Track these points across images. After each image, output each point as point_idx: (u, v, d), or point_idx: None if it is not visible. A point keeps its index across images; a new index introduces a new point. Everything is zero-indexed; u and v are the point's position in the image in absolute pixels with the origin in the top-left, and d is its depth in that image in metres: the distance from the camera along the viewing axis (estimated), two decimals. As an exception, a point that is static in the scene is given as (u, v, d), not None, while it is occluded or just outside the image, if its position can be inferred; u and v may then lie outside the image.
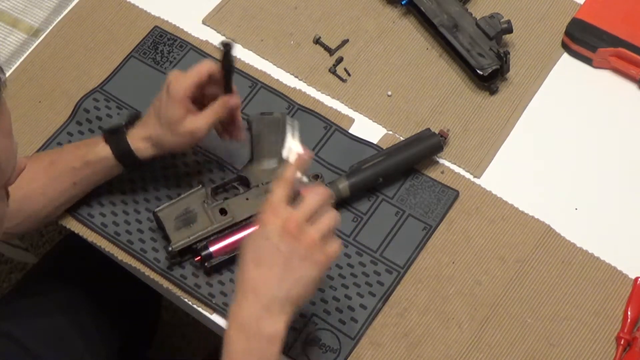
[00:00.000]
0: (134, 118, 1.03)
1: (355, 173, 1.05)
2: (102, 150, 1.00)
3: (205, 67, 0.98)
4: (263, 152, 1.07)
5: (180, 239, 1.00)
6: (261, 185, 1.04)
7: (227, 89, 1.00)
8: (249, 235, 0.86)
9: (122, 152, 1.00)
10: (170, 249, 1.00)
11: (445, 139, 1.08)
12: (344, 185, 1.04)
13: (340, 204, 1.05)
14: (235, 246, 1.00)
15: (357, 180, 1.04)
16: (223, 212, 1.02)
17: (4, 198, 0.75)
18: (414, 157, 1.07)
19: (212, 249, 1.00)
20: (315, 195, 0.85)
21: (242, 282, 0.82)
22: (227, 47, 0.96)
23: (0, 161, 0.69)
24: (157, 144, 1.00)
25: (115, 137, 1.00)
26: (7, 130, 0.69)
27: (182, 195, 1.04)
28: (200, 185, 1.04)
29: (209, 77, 0.99)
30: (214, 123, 1.00)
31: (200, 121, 0.98)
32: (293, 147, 0.91)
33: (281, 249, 0.81)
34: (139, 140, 1.00)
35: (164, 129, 0.98)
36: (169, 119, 0.98)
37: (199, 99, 1.00)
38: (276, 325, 0.81)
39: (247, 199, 1.04)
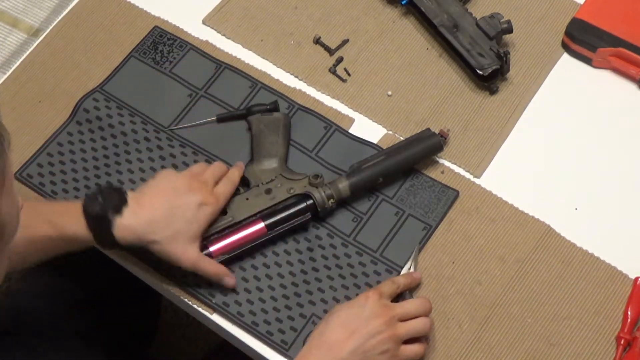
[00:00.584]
0: (121, 201, 0.95)
1: (355, 173, 1.05)
2: (81, 230, 0.94)
3: (232, 189, 1.02)
4: (263, 152, 1.07)
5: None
6: (261, 185, 1.04)
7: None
8: (347, 302, 0.94)
9: (105, 242, 0.95)
10: None
11: (446, 139, 1.08)
12: (344, 185, 1.04)
13: (340, 203, 1.05)
14: (235, 246, 1.00)
15: (357, 180, 1.04)
16: (223, 212, 1.02)
17: (5, 255, 0.72)
18: (414, 157, 1.07)
19: (212, 248, 1.00)
20: (420, 304, 0.94)
21: (321, 336, 0.91)
22: None
23: (6, 221, 0.66)
24: (148, 244, 0.95)
25: (99, 224, 0.94)
26: (10, 189, 0.68)
27: None
28: None
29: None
30: (203, 274, 0.98)
31: (200, 263, 0.96)
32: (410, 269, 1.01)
33: (369, 327, 0.90)
34: (128, 231, 0.94)
35: (172, 237, 0.94)
36: (187, 234, 0.95)
37: None
38: None
39: (247, 198, 1.04)
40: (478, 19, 1.15)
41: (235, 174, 1.04)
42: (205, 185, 1.00)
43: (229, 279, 0.99)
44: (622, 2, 1.18)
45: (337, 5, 1.23)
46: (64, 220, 0.96)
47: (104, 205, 0.94)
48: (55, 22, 1.24)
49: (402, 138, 1.11)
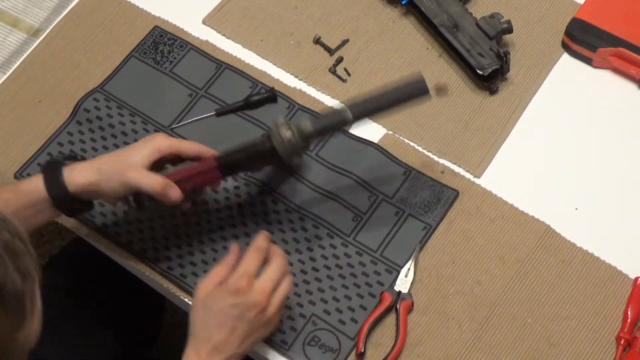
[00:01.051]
0: (74, 158, 1.00)
1: (322, 114, 0.99)
2: (34, 179, 0.95)
3: (195, 150, 0.99)
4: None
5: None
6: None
7: None
8: (217, 292, 0.92)
9: (53, 182, 0.94)
10: None
11: (443, 90, 1.00)
12: (305, 120, 0.96)
13: (302, 138, 0.97)
14: (185, 175, 0.98)
15: (319, 117, 0.98)
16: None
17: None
18: (389, 99, 0.97)
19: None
20: (278, 267, 0.94)
21: (209, 340, 0.91)
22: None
23: (29, 343, 0.69)
24: (96, 179, 0.94)
25: (51, 166, 0.95)
26: (39, 312, 0.70)
27: None
28: None
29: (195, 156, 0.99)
30: (149, 191, 0.96)
31: (142, 177, 0.95)
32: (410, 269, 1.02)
33: (248, 318, 0.91)
34: (77, 171, 0.95)
35: (115, 164, 0.95)
36: (126, 159, 0.95)
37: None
38: None
39: None
40: (478, 19, 1.15)
41: (208, 149, 1.00)
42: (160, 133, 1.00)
43: (173, 190, 0.96)
44: (622, 2, 1.18)
45: (337, 5, 1.23)
46: (24, 181, 0.98)
47: (57, 157, 0.98)
48: (55, 22, 1.24)
49: (402, 138, 1.12)
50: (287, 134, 0.95)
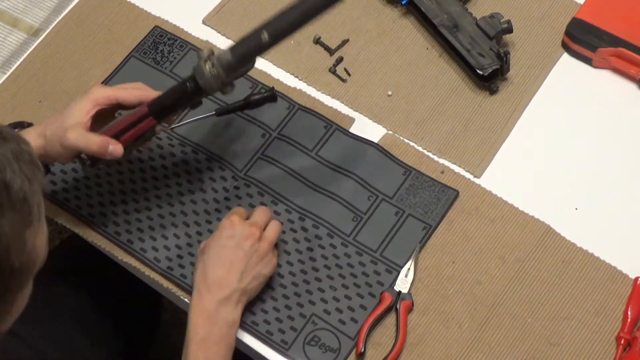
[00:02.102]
0: (25, 124, 1.00)
1: (240, 45, 0.93)
2: None
3: (135, 96, 0.98)
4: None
5: None
6: None
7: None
8: (212, 237, 0.98)
9: None
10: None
11: None
12: (224, 49, 0.93)
13: (229, 69, 0.93)
14: (119, 127, 0.97)
15: (238, 43, 0.93)
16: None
17: (31, 282, 0.73)
18: (305, 10, 0.91)
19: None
20: (262, 209, 1.02)
21: (206, 278, 0.95)
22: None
23: (40, 255, 0.69)
24: (42, 143, 0.95)
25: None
26: (44, 225, 0.69)
27: None
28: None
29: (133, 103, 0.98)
30: (88, 151, 0.96)
31: (80, 138, 0.94)
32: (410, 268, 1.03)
33: (244, 249, 0.96)
34: (28, 135, 0.94)
35: (56, 126, 0.94)
36: (66, 119, 0.94)
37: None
38: (234, 313, 0.95)
39: None
40: (478, 19, 1.15)
41: (150, 92, 0.99)
42: (98, 84, 0.99)
43: (114, 146, 0.95)
44: (622, 2, 1.18)
45: (337, 6, 1.23)
46: None
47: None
48: (55, 22, 1.24)
49: (402, 138, 1.12)
50: (208, 69, 0.91)
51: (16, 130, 0.97)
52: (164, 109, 0.98)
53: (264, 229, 1.00)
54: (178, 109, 1.00)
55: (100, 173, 1.10)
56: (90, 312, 1.17)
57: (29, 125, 1.02)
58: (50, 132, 0.95)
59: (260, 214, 1.01)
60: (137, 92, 0.99)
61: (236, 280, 0.94)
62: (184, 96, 0.97)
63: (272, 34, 0.91)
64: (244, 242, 0.96)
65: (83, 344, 1.13)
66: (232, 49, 0.93)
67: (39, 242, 0.68)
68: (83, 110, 0.96)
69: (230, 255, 0.95)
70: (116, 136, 0.97)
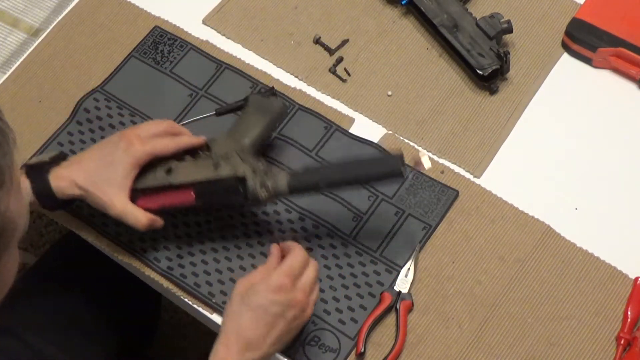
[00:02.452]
0: (60, 157, 0.98)
1: (301, 173, 0.99)
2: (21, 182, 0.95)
3: (173, 148, 0.99)
4: (239, 128, 1.03)
5: None
6: (214, 155, 1.01)
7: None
8: (259, 287, 0.90)
9: (41, 190, 0.94)
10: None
11: (418, 168, 1.01)
12: (283, 180, 0.97)
13: (276, 196, 0.99)
14: (160, 204, 0.99)
15: (299, 179, 0.98)
16: (169, 171, 1.00)
17: (16, 250, 0.72)
18: (368, 177, 0.99)
19: (138, 202, 0.98)
20: (300, 255, 0.93)
21: (239, 333, 0.89)
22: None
23: (18, 218, 0.66)
24: (83, 191, 0.95)
25: (36, 173, 0.94)
26: (18, 187, 0.68)
27: None
28: None
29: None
30: (133, 224, 0.96)
31: (128, 210, 0.95)
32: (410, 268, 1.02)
33: (287, 319, 0.90)
34: (63, 180, 0.95)
35: (100, 181, 0.95)
36: (111, 179, 0.95)
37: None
38: None
39: (195, 166, 1.01)
40: (478, 19, 1.16)
41: (183, 139, 1.01)
42: (137, 136, 0.98)
43: (157, 223, 0.97)
44: (622, 2, 1.18)
45: (337, 5, 1.24)
46: None
47: (42, 157, 0.97)
48: (55, 22, 1.24)
49: (402, 138, 1.12)
50: (262, 193, 0.97)
51: (52, 164, 0.96)
52: (210, 205, 1.03)
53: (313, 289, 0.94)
54: (216, 205, 1.04)
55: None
56: (87, 312, 1.16)
57: (63, 157, 1.00)
58: (93, 189, 0.95)
59: (314, 271, 0.93)
60: (172, 144, 0.99)
61: (269, 345, 0.90)
62: (226, 192, 0.99)
63: (329, 185, 0.98)
64: (288, 311, 0.90)
65: (80, 343, 1.13)
66: (290, 183, 0.97)
67: (15, 206, 0.65)
68: (127, 175, 0.96)
69: (272, 322, 0.89)
70: (158, 212, 0.99)
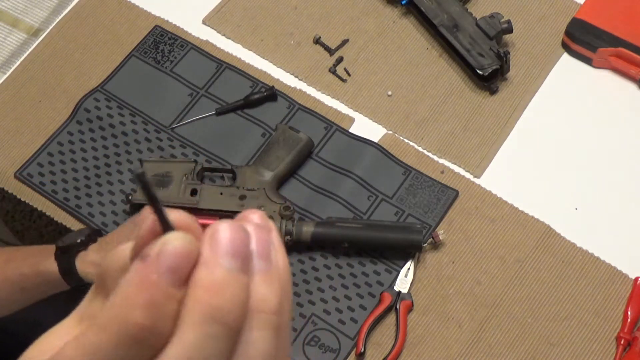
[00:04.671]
0: (91, 237, 0.96)
1: (325, 225, 1.01)
2: (51, 265, 0.94)
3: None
4: (265, 160, 1.06)
5: (142, 197, 1.01)
6: (241, 188, 1.03)
7: (164, 226, 0.46)
8: None
9: (68, 273, 0.94)
10: (130, 197, 1.03)
11: (436, 242, 1.02)
12: (308, 230, 1.00)
13: (296, 246, 1.02)
14: None
15: (322, 232, 1.00)
16: (194, 192, 1.02)
17: None
18: (388, 242, 1.01)
19: None
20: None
21: None
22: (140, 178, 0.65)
23: None
24: None
25: (64, 256, 0.94)
26: None
27: (173, 159, 1.06)
28: (194, 160, 1.05)
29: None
30: None
31: None
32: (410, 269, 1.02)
33: None
34: (89, 265, 0.93)
35: None
36: None
37: None
38: None
39: (220, 193, 1.03)
40: (478, 19, 1.15)
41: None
42: None
43: None
44: (622, 2, 1.18)
45: (337, 5, 1.24)
46: (39, 257, 0.95)
47: (73, 239, 0.94)
48: (55, 22, 1.24)
49: (402, 138, 1.11)
50: (285, 239, 1.00)
51: (80, 247, 0.94)
52: None
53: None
54: None
55: (100, 172, 1.10)
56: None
57: (90, 239, 0.97)
58: None
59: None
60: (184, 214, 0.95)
61: None
62: None
63: (350, 242, 1.01)
64: None
65: None
66: (314, 236, 0.99)
67: None
68: None
69: None
70: None
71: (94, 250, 0.95)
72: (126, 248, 0.37)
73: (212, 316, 0.33)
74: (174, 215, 0.37)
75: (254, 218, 0.38)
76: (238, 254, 0.35)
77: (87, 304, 0.37)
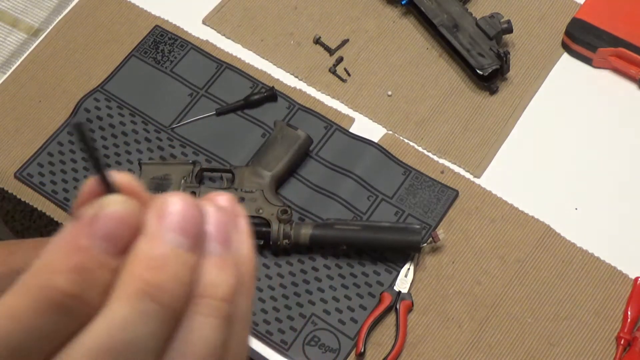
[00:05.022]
0: None
1: (323, 227, 1.01)
2: None
3: None
4: (263, 159, 1.05)
5: None
6: (239, 190, 1.03)
7: (106, 187, 0.35)
8: None
9: None
10: None
11: (435, 242, 1.01)
12: (306, 232, 1.00)
13: (297, 248, 1.02)
14: None
15: (321, 234, 1.00)
16: (192, 195, 1.01)
17: None
18: (387, 243, 1.01)
19: None
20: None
21: None
22: (77, 129, 0.48)
23: None
24: None
25: None
26: None
27: (171, 161, 1.06)
28: (192, 161, 1.05)
29: None
30: None
31: None
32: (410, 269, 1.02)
33: None
34: None
35: None
36: None
37: None
38: None
39: None
40: (478, 19, 1.15)
41: None
42: None
43: None
44: (622, 2, 1.18)
45: (337, 5, 1.24)
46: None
47: None
48: (55, 22, 1.24)
49: (402, 138, 1.12)
50: (283, 242, 1.00)
51: None
52: None
53: None
54: None
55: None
56: None
57: None
58: None
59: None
60: None
61: None
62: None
63: (349, 244, 1.01)
64: None
65: None
66: (312, 239, 0.99)
67: None
68: None
69: None
70: None
71: None
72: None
73: (148, 292, 0.30)
74: (119, 177, 0.33)
75: (219, 200, 0.35)
76: (187, 232, 0.32)
77: None
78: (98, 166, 0.33)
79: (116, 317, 0.30)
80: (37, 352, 0.29)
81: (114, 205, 0.31)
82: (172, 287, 0.30)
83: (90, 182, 0.33)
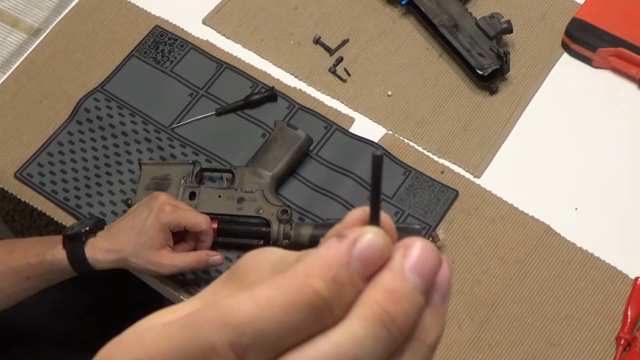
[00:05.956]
0: (98, 225, 0.97)
1: (323, 227, 1.01)
2: (58, 253, 0.95)
3: (203, 225, 0.96)
4: (262, 159, 1.05)
5: (141, 198, 1.00)
6: (239, 190, 1.02)
7: (373, 219, 0.41)
8: None
9: (77, 260, 0.94)
10: (129, 202, 1.02)
11: (435, 242, 1.01)
12: (306, 232, 1.00)
13: (297, 249, 1.02)
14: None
15: (321, 234, 0.99)
16: (192, 196, 1.02)
17: None
18: None
19: None
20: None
21: None
22: (377, 160, 0.49)
23: None
24: (120, 260, 0.95)
25: (73, 244, 0.94)
26: None
27: (172, 161, 1.06)
28: (192, 161, 1.05)
29: (200, 231, 0.96)
30: (188, 270, 0.97)
31: (177, 261, 0.94)
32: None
33: None
34: (99, 251, 0.94)
35: (137, 249, 0.94)
36: (147, 243, 0.94)
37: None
38: None
39: (219, 196, 1.02)
40: (478, 19, 1.15)
41: (203, 225, 0.96)
42: (168, 203, 0.96)
43: (215, 257, 0.96)
44: (622, 2, 1.18)
45: (337, 5, 1.24)
46: (45, 246, 0.96)
47: (80, 227, 0.95)
48: (55, 22, 1.24)
49: (402, 138, 1.12)
50: (283, 242, 0.99)
51: (89, 234, 0.95)
52: (229, 233, 1.01)
53: None
54: (238, 239, 1.02)
55: (100, 172, 1.10)
56: (86, 312, 1.16)
57: (99, 225, 0.98)
58: (134, 258, 0.94)
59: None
60: (195, 221, 0.96)
61: None
62: (249, 234, 1.01)
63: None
64: None
65: (82, 346, 1.13)
66: (312, 238, 0.99)
67: None
68: (160, 236, 0.94)
69: None
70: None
71: (102, 237, 0.96)
72: (276, 250, 0.37)
73: (383, 319, 0.33)
74: (383, 215, 0.37)
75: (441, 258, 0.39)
76: (425, 277, 0.36)
77: (213, 293, 0.36)
78: (377, 199, 0.36)
79: (353, 333, 0.32)
80: (279, 344, 0.32)
81: (375, 237, 0.35)
82: (402, 321, 0.33)
83: (360, 210, 0.37)
